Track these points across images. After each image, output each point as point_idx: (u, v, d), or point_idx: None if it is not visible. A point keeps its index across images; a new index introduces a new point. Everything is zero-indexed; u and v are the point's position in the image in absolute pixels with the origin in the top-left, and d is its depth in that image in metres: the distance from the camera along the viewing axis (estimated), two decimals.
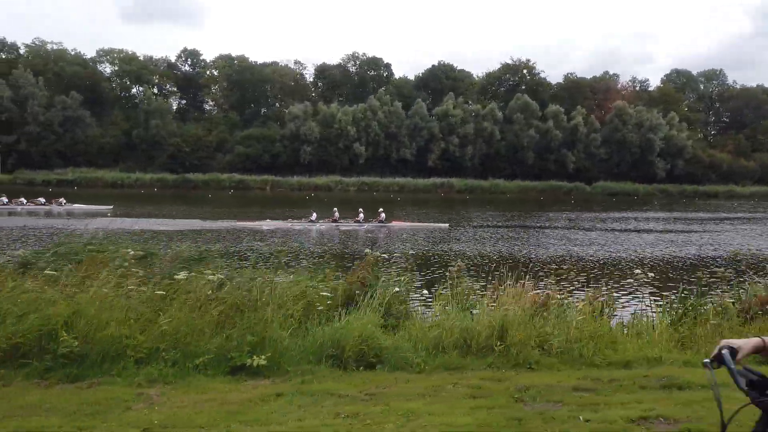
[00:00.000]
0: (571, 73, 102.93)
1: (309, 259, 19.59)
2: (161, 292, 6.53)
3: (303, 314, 7.25)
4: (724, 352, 2.10)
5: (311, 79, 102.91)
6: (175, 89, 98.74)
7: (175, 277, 6.68)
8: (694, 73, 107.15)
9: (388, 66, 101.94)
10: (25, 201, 40.06)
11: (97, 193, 56.30)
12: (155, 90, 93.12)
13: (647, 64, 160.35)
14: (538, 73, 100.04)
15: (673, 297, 9.89)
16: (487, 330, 7.15)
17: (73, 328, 5.86)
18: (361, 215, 33.22)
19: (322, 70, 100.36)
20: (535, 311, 8.13)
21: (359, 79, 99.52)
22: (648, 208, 54.88)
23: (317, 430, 4.49)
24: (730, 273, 10.20)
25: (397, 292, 8.18)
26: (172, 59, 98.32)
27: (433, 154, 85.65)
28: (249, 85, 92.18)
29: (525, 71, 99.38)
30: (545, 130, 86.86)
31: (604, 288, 11.08)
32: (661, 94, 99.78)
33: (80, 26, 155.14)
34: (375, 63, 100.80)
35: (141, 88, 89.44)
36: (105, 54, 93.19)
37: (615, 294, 10.78)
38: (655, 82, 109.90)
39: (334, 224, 32.25)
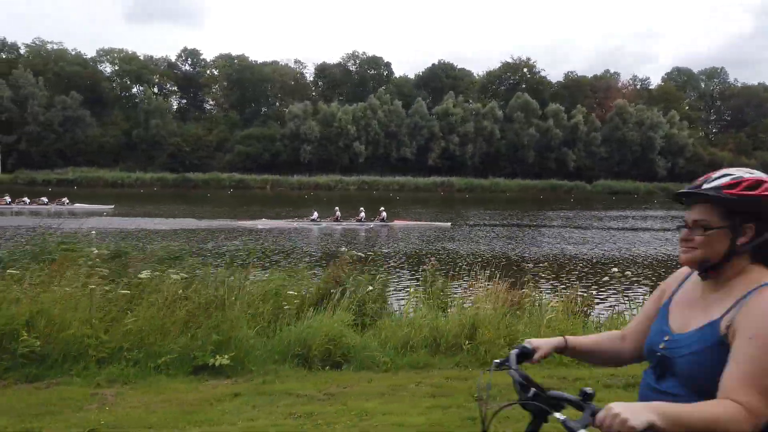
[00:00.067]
0: (572, 72, 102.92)
1: (302, 259, 19.56)
2: (125, 291, 6.51)
3: (273, 314, 7.23)
4: (512, 352, 2.04)
5: (311, 79, 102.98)
6: (176, 89, 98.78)
7: (139, 276, 6.65)
8: (695, 71, 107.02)
9: (388, 65, 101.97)
10: (28, 201, 40.17)
11: (97, 193, 56.36)
12: (155, 90, 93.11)
13: (648, 64, 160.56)
14: (539, 72, 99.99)
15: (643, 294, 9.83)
16: (456, 328, 7.14)
17: (35, 327, 5.84)
18: (362, 214, 33.17)
19: (322, 69, 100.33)
20: (508, 310, 8.13)
21: (359, 78, 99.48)
22: (647, 207, 54.78)
23: (266, 431, 4.47)
24: None
25: (371, 290, 8.16)
26: (173, 59, 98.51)
27: (434, 152, 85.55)
28: (249, 85, 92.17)
29: (525, 70, 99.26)
30: (545, 128, 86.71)
31: (585, 286, 11.04)
32: (661, 93, 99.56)
33: (80, 26, 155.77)
34: (375, 62, 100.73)
35: (141, 88, 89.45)
36: (105, 54, 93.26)
37: (595, 292, 10.74)
38: (656, 81, 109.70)
39: (335, 223, 32.21)
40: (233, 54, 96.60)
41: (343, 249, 9.54)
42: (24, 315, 5.86)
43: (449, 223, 33.30)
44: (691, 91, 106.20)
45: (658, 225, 35.50)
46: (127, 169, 78.75)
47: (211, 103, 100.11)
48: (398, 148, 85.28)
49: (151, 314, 6.32)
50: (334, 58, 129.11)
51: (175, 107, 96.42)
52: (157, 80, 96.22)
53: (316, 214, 32.33)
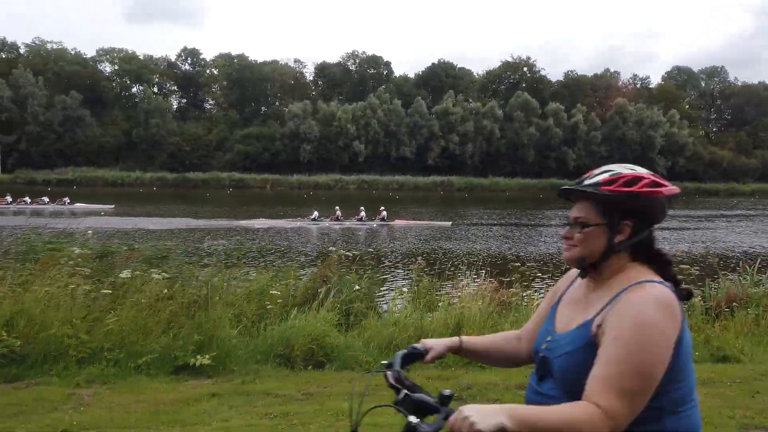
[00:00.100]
0: (572, 71, 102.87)
1: (298, 258, 19.57)
2: (107, 291, 6.50)
3: (257, 314, 7.22)
4: (398, 353, 1.99)
5: (311, 78, 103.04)
6: (175, 88, 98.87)
7: (120, 275, 6.64)
8: (696, 70, 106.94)
9: (387, 64, 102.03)
10: (29, 200, 40.24)
11: (97, 193, 56.40)
12: (155, 89, 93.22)
13: (648, 64, 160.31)
14: (539, 71, 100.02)
15: None
16: (441, 328, 7.12)
17: (15, 327, 5.84)
18: (362, 213, 33.13)
19: (322, 69, 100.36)
20: (495, 308, 8.11)
21: (359, 78, 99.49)
22: None
23: (240, 431, 4.46)
24: (696, 270, 10.14)
25: (358, 290, 8.15)
26: (172, 58, 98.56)
27: (433, 152, 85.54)
28: (249, 84, 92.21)
29: (525, 69, 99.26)
30: (545, 127, 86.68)
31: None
32: (662, 92, 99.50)
33: (80, 26, 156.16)
34: (375, 61, 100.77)
35: (141, 88, 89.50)
36: (105, 53, 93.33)
37: None
38: (656, 80, 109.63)
39: (335, 223, 32.18)
40: (233, 53, 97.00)
41: (332, 248, 9.52)
42: (5, 315, 5.86)
43: (449, 223, 33.29)
44: (692, 90, 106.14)
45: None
46: (127, 168, 78.80)
47: (210, 102, 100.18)
48: (398, 147, 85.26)
49: (133, 314, 6.31)
50: (333, 57, 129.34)
51: (175, 107, 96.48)
52: (156, 80, 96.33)
53: (316, 214, 32.31)
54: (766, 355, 7.37)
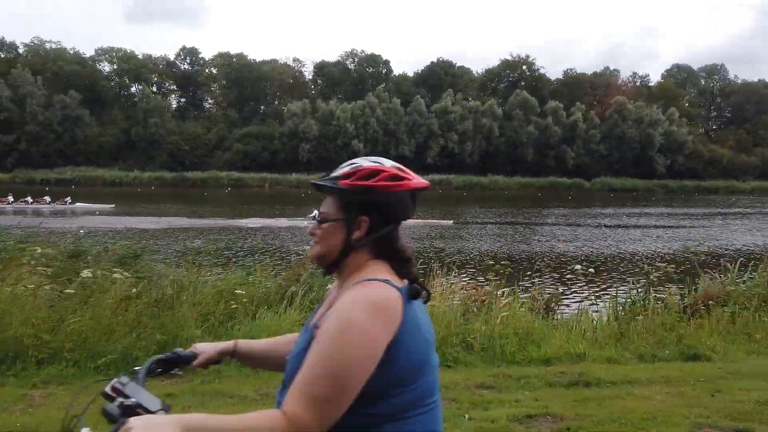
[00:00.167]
0: (571, 69, 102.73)
1: (290, 257, 19.52)
2: (71, 291, 6.46)
3: (225, 313, 7.17)
4: (149, 359, 1.88)
5: (310, 77, 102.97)
6: (174, 87, 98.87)
7: (81, 275, 6.61)
8: (695, 68, 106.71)
9: (386, 63, 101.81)
10: (30, 200, 40.33)
11: (96, 192, 56.44)
12: (154, 88, 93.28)
13: (648, 63, 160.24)
14: (538, 69, 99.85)
15: (621, 292, 9.82)
16: None
17: None
18: None
19: (321, 68, 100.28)
20: (468, 308, 8.08)
21: (358, 76, 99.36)
22: (645, 204, 54.65)
23: None
24: (673, 268, 10.08)
25: (329, 288, 8.09)
26: (171, 58, 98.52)
27: (432, 150, 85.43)
28: (248, 83, 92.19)
29: (524, 67, 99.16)
30: (544, 126, 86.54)
31: (559, 284, 10.99)
32: (661, 90, 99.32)
33: (80, 26, 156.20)
34: (374, 60, 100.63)
35: (140, 87, 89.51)
36: (104, 53, 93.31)
37: (566, 289, 10.69)
38: (655, 78, 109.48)
39: None
40: (232, 52, 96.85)
41: (306, 247, 9.48)
42: None
43: (451, 221, 33.27)
44: (691, 88, 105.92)
45: (652, 222, 35.37)
46: (126, 168, 78.83)
47: (209, 101, 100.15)
48: (397, 146, 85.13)
49: (97, 314, 6.28)
50: (332, 56, 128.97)
51: (174, 106, 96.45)
52: (155, 79, 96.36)
53: (316, 212, 32.21)
54: (739, 354, 7.33)
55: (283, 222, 31.98)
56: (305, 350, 1.55)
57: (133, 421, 1.35)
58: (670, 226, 32.56)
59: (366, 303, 1.51)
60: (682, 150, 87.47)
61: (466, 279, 9.52)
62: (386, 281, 1.59)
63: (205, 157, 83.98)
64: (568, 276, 11.28)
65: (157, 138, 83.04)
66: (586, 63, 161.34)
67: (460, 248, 22.33)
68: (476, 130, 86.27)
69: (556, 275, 14.27)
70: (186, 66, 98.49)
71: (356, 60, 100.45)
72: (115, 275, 6.57)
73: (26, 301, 6.25)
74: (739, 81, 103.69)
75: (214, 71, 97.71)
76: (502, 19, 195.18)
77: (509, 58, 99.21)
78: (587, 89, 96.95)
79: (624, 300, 9.20)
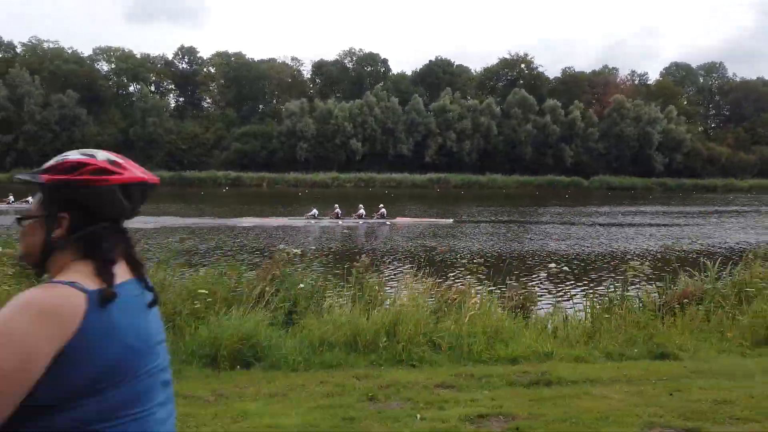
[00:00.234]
0: (569, 68, 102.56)
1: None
2: None
3: (192, 313, 7.14)
4: None
5: (308, 76, 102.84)
6: (173, 87, 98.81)
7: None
8: (694, 66, 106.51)
9: (385, 62, 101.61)
10: (31, 200, 40.21)
11: None
12: (152, 88, 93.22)
13: (648, 63, 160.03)
14: (536, 68, 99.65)
15: (601, 291, 9.79)
16: (377, 327, 7.04)
17: None
18: (362, 211, 32.98)
19: (319, 67, 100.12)
20: (440, 307, 8.04)
21: (356, 75, 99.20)
22: (643, 202, 54.56)
23: None
24: (649, 266, 10.04)
25: (302, 288, 8.07)
26: (170, 57, 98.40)
27: (431, 149, 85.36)
28: (246, 82, 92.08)
29: (523, 66, 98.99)
30: (543, 124, 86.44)
31: (536, 282, 10.94)
32: (660, 88, 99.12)
33: (80, 26, 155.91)
34: (372, 59, 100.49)
35: (138, 86, 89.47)
36: (101, 52, 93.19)
37: (548, 288, 10.65)
38: (654, 76, 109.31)
39: (336, 221, 32.00)
40: (230, 52, 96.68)
41: (281, 246, 9.45)
42: None
43: (451, 220, 33.20)
44: (690, 86, 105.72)
45: (647, 221, 35.29)
46: None
47: (208, 101, 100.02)
48: (395, 144, 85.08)
49: None
50: (331, 55, 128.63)
51: (173, 105, 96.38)
52: (153, 78, 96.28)
53: (315, 211, 32.22)
54: (710, 352, 7.29)
55: (275, 221, 31.92)
56: None
57: None
58: (664, 225, 32.49)
59: (29, 308, 1.39)
60: (680, 148, 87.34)
61: (442, 278, 9.45)
62: (72, 284, 1.46)
63: (203, 156, 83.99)
64: (551, 275, 11.22)
65: (155, 137, 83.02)
66: (586, 62, 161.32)
67: (452, 246, 22.27)
68: (474, 128, 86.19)
69: (541, 274, 14.23)
70: (184, 65, 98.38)
71: (354, 59, 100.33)
72: None
73: None
74: (738, 79, 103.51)
75: (213, 70, 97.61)
76: (502, 18, 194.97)
77: (508, 56, 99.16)
78: (586, 88, 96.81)
79: (600, 298, 9.16)
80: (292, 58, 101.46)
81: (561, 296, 11.85)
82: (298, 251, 8.88)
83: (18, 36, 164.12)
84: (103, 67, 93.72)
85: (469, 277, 9.50)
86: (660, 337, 7.43)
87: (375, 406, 5.07)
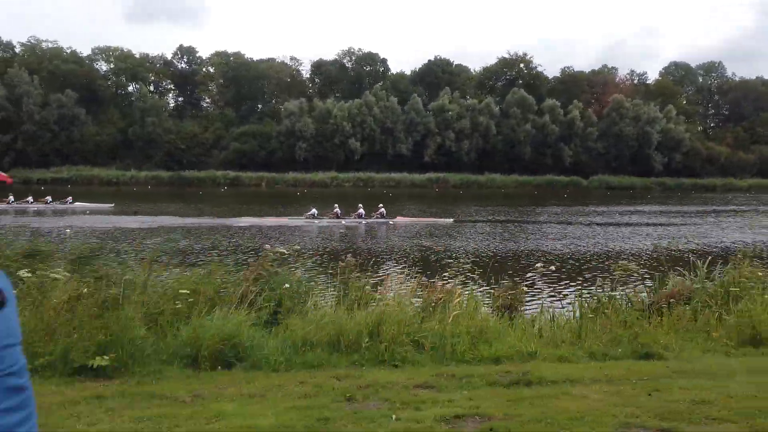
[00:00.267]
0: (569, 67, 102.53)
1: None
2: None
3: (175, 313, 7.11)
4: None
5: (307, 75, 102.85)
6: (172, 87, 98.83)
7: (18, 274, 6.54)
8: (693, 65, 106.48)
9: (384, 61, 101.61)
10: (32, 200, 40.40)
11: (92, 191, 56.54)
12: (151, 87, 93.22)
13: (648, 62, 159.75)
14: (535, 68, 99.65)
15: (591, 290, 9.76)
16: (360, 327, 7.02)
17: None
18: (361, 210, 32.96)
19: (318, 66, 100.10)
20: (426, 307, 8.02)
21: (355, 75, 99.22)
22: (642, 202, 54.54)
23: None
24: (635, 266, 10.02)
25: (288, 287, 8.04)
26: (169, 57, 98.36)
27: (430, 149, 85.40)
28: (245, 82, 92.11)
29: (522, 65, 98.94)
30: (542, 124, 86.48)
31: (523, 282, 10.91)
32: (659, 88, 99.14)
33: (80, 27, 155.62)
34: (371, 58, 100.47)
35: (137, 86, 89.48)
36: (100, 52, 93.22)
37: (538, 288, 10.62)
38: (653, 76, 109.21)
39: (336, 220, 31.98)
40: (229, 51, 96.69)
41: (267, 246, 9.43)
42: None
43: (451, 220, 33.18)
44: (689, 86, 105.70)
45: (644, 220, 35.25)
46: (123, 167, 78.99)
47: (207, 100, 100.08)
48: (394, 144, 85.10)
49: (38, 314, 6.21)
50: (330, 54, 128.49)
51: (172, 105, 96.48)
52: (152, 78, 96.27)
53: (314, 211, 32.22)
54: (695, 352, 7.26)
55: (273, 221, 31.91)
56: None
57: None
58: (661, 224, 32.47)
59: None
60: (679, 148, 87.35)
61: (435, 278, 9.43)
62: None
63: (202, 156, 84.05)
64: (538, 274, 11.21)
65: (154, 137, 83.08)
66: (586, 62, 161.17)
67: (448, 246, 22.24)
68: (473, 128, 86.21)
69: (530, 274, 14.20)
70: (183, 65, 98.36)
71: (353, 58, 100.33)
72: (52, 275, 6.50)
73: None
74: (737, 79, 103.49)
75: (212, 70, 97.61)
76: (502, 18, 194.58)
77: (507, 56, 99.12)
78: (585, 87, 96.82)
79: (589, 298, 9.15)
80: (291, 58, 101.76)
81: (553, 296, 11.84)
82: (285, 251, 8.82)
83: (17, 36, 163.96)
84: (102, 66, 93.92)
85: (460, 276, 9.49)
86: (645, 337, 7.39)
87: (351, 406, 5.05)
